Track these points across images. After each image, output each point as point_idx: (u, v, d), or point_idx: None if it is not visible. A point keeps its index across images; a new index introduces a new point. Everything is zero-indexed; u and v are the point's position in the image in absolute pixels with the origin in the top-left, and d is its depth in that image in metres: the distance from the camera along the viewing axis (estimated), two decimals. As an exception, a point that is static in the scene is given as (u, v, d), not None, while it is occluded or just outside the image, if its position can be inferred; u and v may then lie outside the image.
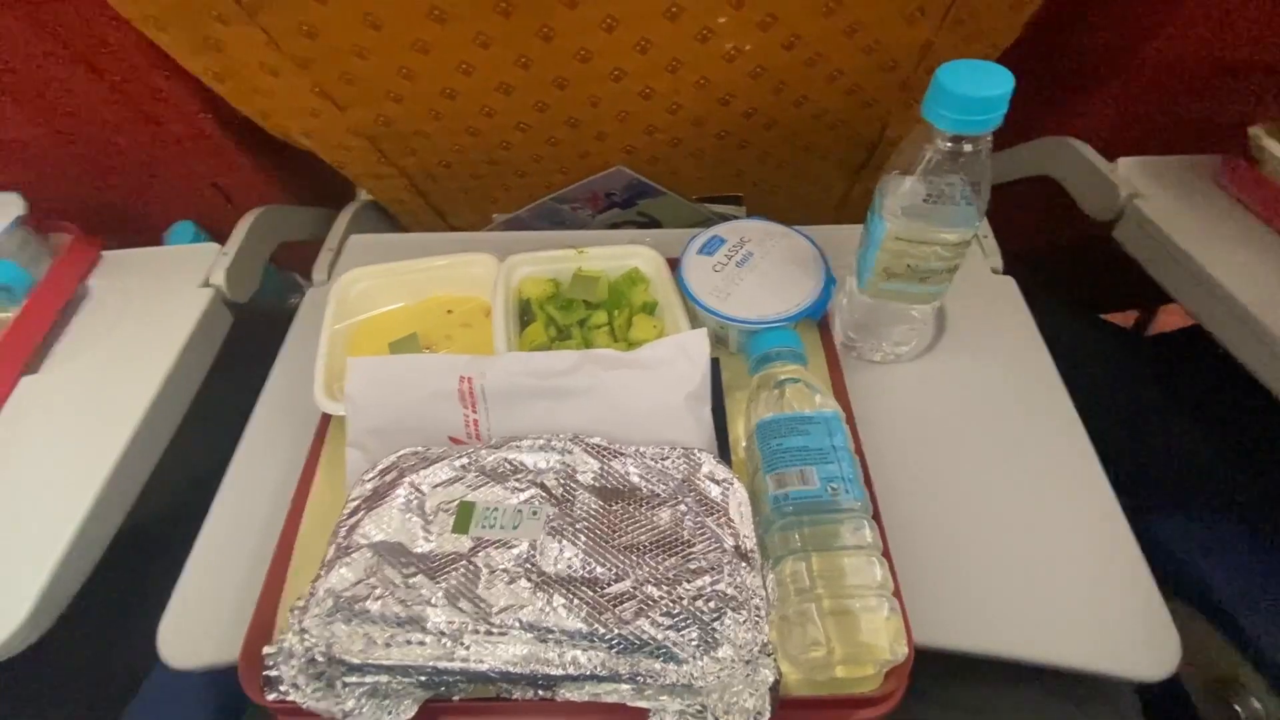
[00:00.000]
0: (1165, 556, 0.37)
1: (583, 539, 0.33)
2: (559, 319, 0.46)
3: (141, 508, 0.44)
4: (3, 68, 0.49)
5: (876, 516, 0.35)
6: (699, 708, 0.30)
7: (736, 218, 0.50)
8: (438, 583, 0.31)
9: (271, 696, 0.31)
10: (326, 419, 0.43)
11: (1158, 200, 0.52)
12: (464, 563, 0.32)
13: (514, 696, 0.31)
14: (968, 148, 0.34)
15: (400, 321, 0.48)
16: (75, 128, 0.56)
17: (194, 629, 0.37)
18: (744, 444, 0.40)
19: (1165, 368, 0.64)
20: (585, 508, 0.34)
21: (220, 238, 0.58)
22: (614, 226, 0.67)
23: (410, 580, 0.32)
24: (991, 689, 0.39)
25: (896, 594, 0.32)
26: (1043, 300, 0.48)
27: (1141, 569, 0.37)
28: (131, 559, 0.42)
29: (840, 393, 0.43)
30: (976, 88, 0.31)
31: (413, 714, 0.31)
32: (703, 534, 0.34)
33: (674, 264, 0.48)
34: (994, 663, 0.36)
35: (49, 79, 0.51)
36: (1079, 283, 0.80)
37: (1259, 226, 0.50)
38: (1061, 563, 0.38)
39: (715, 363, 0.44)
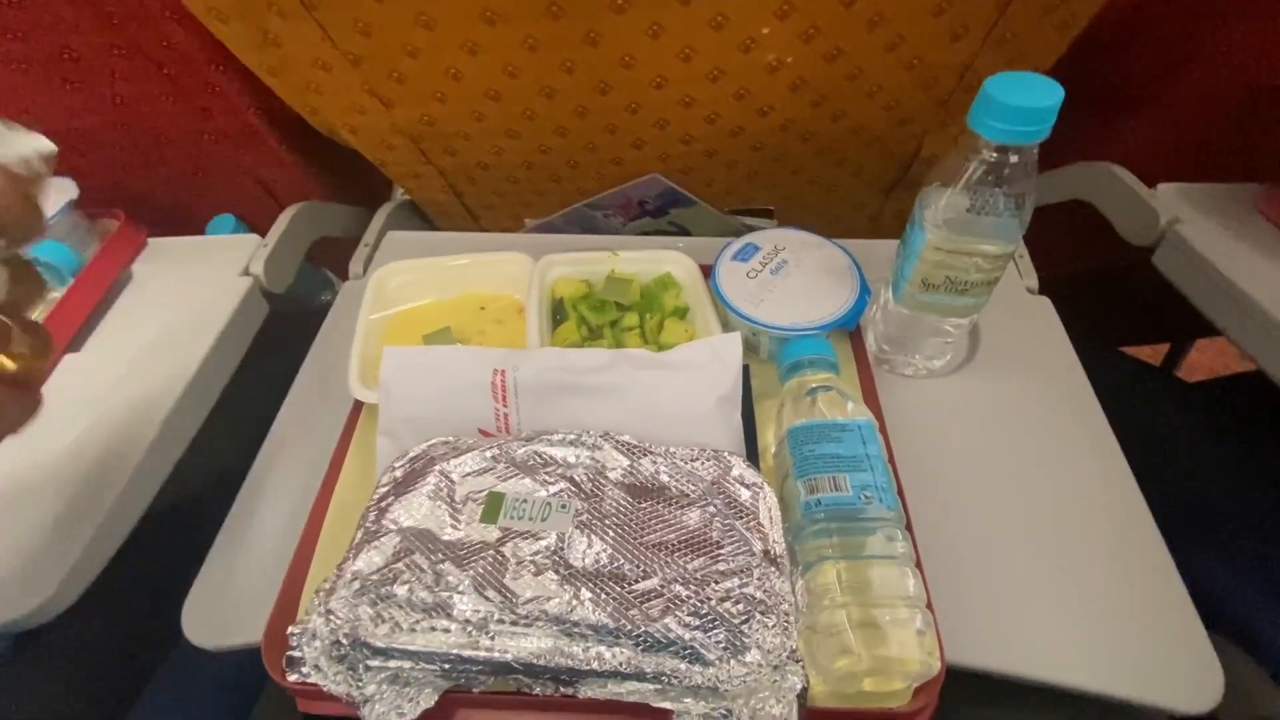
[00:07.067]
0: (1206, 589, 0.36)
1: (611, 535, 0.33)
2: (591, 319, 0.46)
3: (169, 491, 0.45)
4: (67, 57, 0.51)
5: (909, 528, 0.34)
6: (724, 711, 0.29)
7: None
8: (465, 570, 0.31)
9: (293, 677, 0.31)
10: (358, 407, 0.43)
11: (1198, 226, 0.51)
12: (491, 552, 0.32)
13: (534, 691, 0.31)
14: (1014, 158, 0.34)
15: (434, 316, 0.48)
16: (128, 118, 0.58)
17: (218, 609, 0.37)
18: (773, 450, 0.40)
19: (1197, 403, 0.63)
20: (614, 504, 0.34)
21: (259, 232, 0.59)
22: (644, 234, 0.67)
23: (438, 567, 0.32)
24: (1019, 715, 0.38)
25: (929, 607, 0.32)
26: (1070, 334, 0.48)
27: (1182, 596, 0.36)
28: (157, 542, 0.42)
29: (872, 404, 0.42)
30: (1026, 98, 0.31)
31: (432, 704, 0.31)
32: (731, 536, 0.33)
33: (706, 271, 0.48)
34: (1022, 687, 0.34)
35: (109, 70, 0.53)
36: (1103, 314, 0.79)
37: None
38: (1098, 586, 0.37)
39: (745, 370, 0.44)
